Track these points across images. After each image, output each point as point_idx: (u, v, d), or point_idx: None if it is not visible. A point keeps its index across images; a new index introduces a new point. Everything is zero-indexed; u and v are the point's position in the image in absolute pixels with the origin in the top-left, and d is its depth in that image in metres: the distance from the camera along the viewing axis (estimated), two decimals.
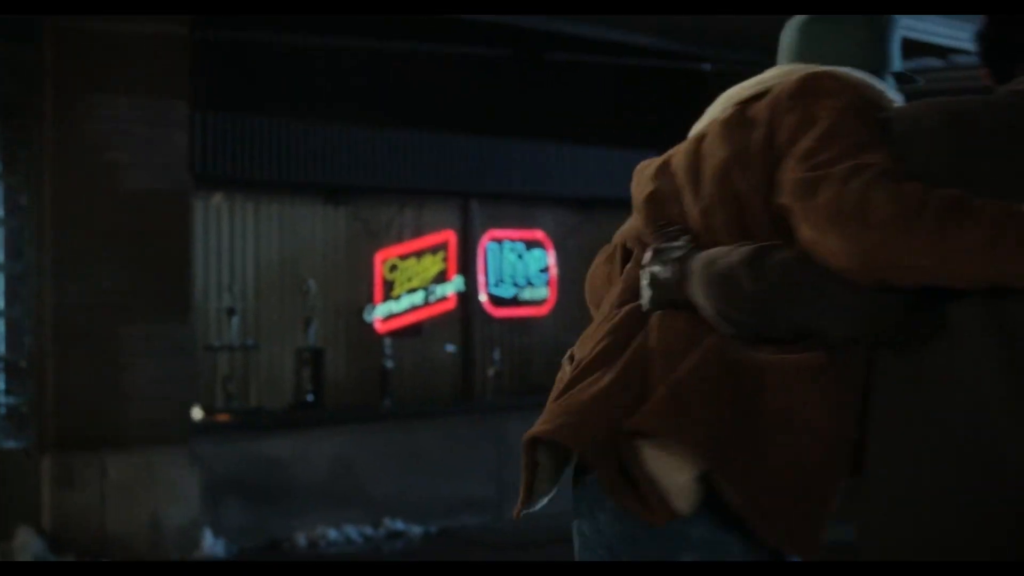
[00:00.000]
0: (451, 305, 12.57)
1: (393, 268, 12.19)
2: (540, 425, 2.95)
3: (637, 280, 3.06)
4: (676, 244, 2.99)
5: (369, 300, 12.09)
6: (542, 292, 13.15)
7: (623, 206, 12.57)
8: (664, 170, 3.20)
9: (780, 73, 3.11)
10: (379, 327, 12.12)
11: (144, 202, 10.33)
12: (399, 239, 12.37)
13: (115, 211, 10.21)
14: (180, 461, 10.39)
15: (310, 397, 11.60)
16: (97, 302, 10.15)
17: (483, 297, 12.78)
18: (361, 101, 11.74)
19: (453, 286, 12.54)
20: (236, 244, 11.55)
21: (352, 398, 12.09)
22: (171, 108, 10.43)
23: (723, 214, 2.96)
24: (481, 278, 12.74)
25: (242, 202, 11.60)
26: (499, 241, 12.92)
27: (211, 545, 10.39)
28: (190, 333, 10.71)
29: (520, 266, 13.03)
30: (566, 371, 3.11)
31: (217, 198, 11.45)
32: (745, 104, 3.09)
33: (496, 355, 12.88)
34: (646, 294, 2.99)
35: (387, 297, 12.14)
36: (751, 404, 2.81)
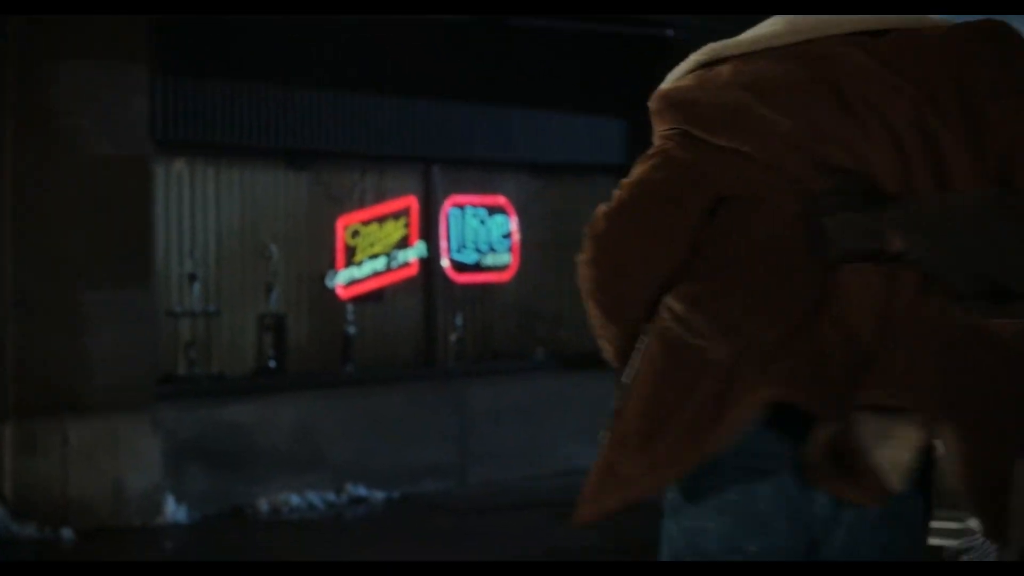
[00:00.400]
0: (413, 271, 12.56)
1: (355, 234, 12.17)
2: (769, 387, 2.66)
3: (781, 233, 2.75)
4: (858, 188, 2.71)
5: (331, 266, 12.07)
6: (504, 258, 13.15)
7: (585, 171, 12.67)
8: (785, 101, 2.79)
9: (905, 18, 2.86)
10: (341, 293, 12.10)
11: (105, 168, 10.28)
12: (361, 204, 12.34)
13: (76, 177, 10.17)
14: (142, 427, 10.37)
15: (272, 363, 11.59)
16: (58, 268, 10.11)
17: (445, 263, 12.77)
18: (323, 66, 11.70)
19: (415, 252, 12.52)
20: (197, 209, 11.51)
21: (314, 364, 12.08)
22: (131, 73, 10.38)
23: (917, 154, 2.72)
24: (443, 244, 12.73)
25: (203, 167, 11.56)
26: (461, 207, 12.91)
27: (173, 511, 10.39)
28: (151, 299, 10.68)
29: (482, 232, 13.02)
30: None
31: (178, 163, 11.40)
32: (874, 38, 2.83)
33: (459, 320, 12.88)
34: (826, 244, 2.70)
35: (349, 263, 12.13)
36: (994, 373, 2.65)
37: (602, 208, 2.93)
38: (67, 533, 9.81)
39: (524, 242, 13.24)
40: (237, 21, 10.92)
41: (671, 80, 2.99)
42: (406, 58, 12.15)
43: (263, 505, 10.92)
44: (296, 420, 11.38)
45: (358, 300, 12.20)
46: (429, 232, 12.61)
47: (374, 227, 12.30)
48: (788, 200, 2.75)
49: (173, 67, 10.75)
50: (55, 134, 10.06)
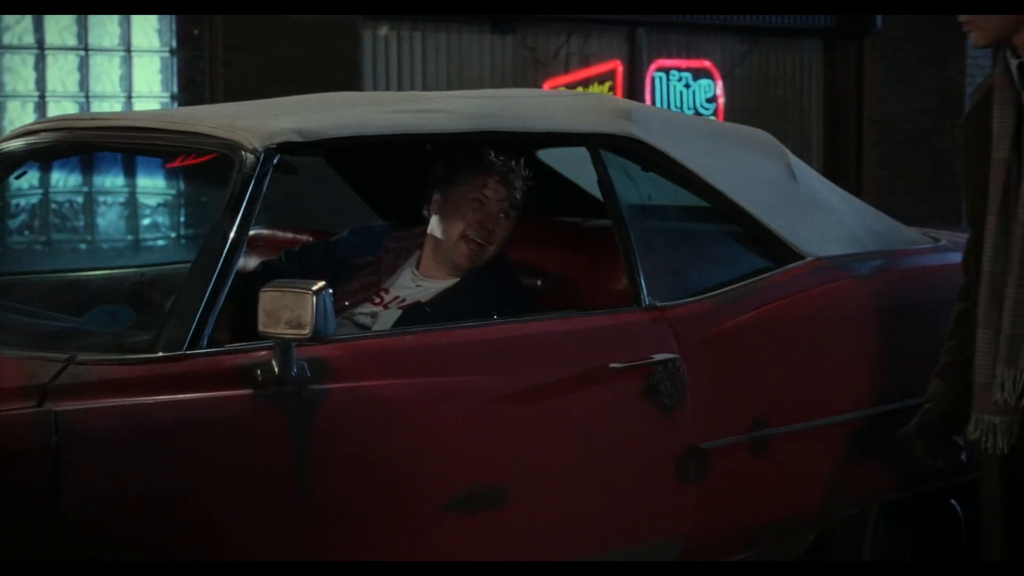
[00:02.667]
0: None
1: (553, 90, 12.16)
2: None
3: None
4: None
5: None
6: None
7: (790, 35, 12.39)
8: None
9: None
10: None
11: (313, 32, 10.39)
12: (566, 68, 12.31)
13: (286, 41, 10.30)
14: None
15: None
16: None
17: None
18: None
19: None
20: (404, 74, 11.58)
21: None
22: None
23: None
24: None
25: (410, 31, 11.61)
26: (666, 70, 12.80)
27: None
28: None
29: (687, 96, 12.90)
30: None
31: (384, 28, 11.47)
32: None
33: None
34: None
35: None
36: None
37: None
38: None
39: (729, 107, 13.10)
40: None
41: None
42: None
43: None
44: None
45: None
46: (634, 96, 12.52)
47: (579, 91, 12.26)
48: None
49: None
50: None
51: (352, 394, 3.54)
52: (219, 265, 3.49)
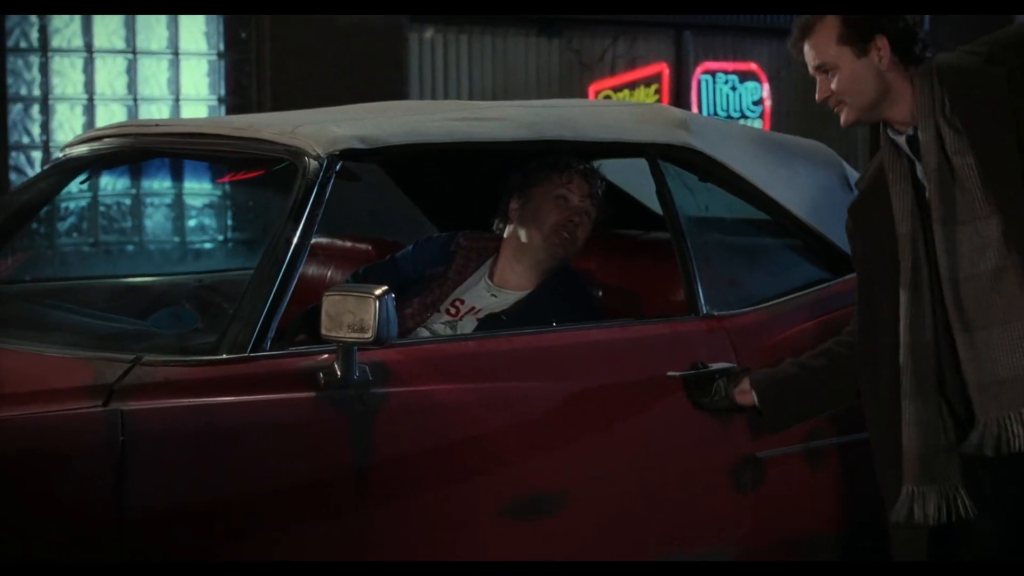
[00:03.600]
0: None
1: (607, 100, 12.17)
2: None
3: None
4: None
5: None
6: (756, 125, 13.03)
7: None
8: None
9: None
10: None
11: (360, 35, 10.43)
12: (612, 71, 12.32)
13: (332, 44, 10.34)
14: None
15: None
16: None
17: None
18: None
19: None
20: (450, 77, 11.62)
21: None
22: None
23: None
24: (695, 111, 12.65)
25: (456, 35, 11.64)
26: (712, 73, 12.80)
27: None
28: None
29: (734, 98, 12.90)
30: None
31: (430, 31, 11.50)
32: None
33: None
34: None
35: None
36: None
37: None
38: None
39: (775, 109, 13.08)
40: None
41: None
42: None
43: None
44: None
45: None
46: (680, 99, 12.54)
47: (625, 94, 12.28)
48: None
49: None
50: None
51: (413, 398, 3.57)
52: (283, 269, 3.53)
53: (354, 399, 3.47)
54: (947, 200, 3.42)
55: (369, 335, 3.34)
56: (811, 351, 3.89)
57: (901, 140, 3.54)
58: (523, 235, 4.28)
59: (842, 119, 3.64)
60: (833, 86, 3.60)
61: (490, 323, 4.16)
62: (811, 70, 3.67)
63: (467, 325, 4.20)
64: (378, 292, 3.35)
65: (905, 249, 3.48)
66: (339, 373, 3.44)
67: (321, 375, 3.44)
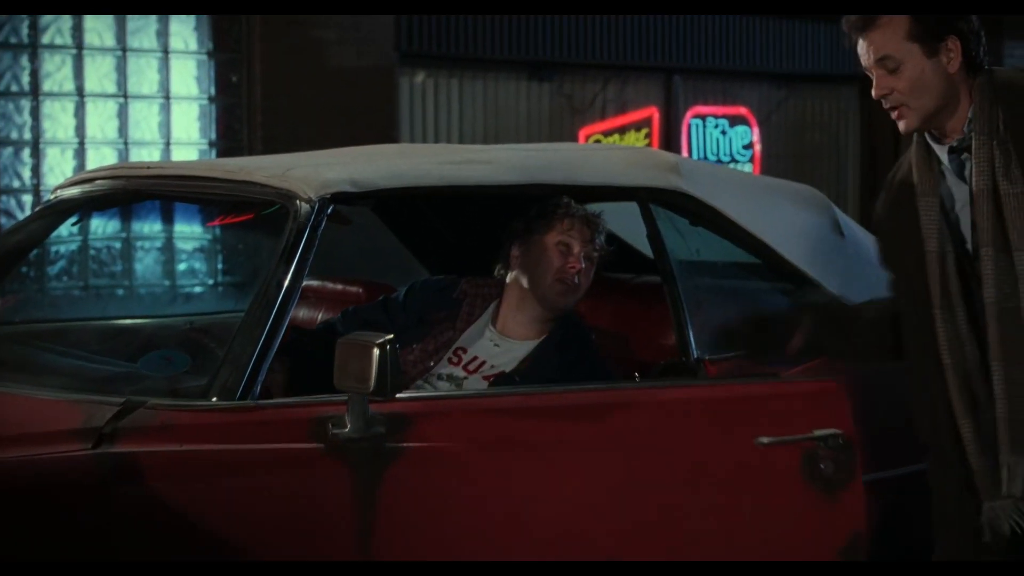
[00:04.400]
0: None
1: (597, 144, 12.19)
2: None
3: None
4: None
5: None
6: (747, 169, 13.06)
7: (827, 81, 12.40)
8: None
9: None
10: None
11: (350, 79, 10.45)
12: (603, 115, 12.35)
13: (322, 88, 10.36)
14: None
15: None
16: None
17: None
18: None
19: None
20: (441, 121, 11.64)
21: None
22: None
23: None
24: (685, 154, 12.68)
25: (447, 79, 11.67)
26: (703, 117, 12.84)
27: None
28: None
29: (724, 142, 12.94)
30: None
31: (421, 75, 11.53)
32: None
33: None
34: None
35: None
36: None
37: None
38: None
39: (766, 153, 13.11)
40: None
41: None
42: None
43: None
44: None
45: None
46: (670, 142, 12.57)
47: (616, 138, 12.31)
48: None
49: None
50: (301, 45, 10.25)
51: (427, 455, 3.45)
52: (273, 313, 3.48)
53: (362, 451, 3.38)
54: (994, 223, 3.25)
55: (368, 385, 3.26)
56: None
57: (942, 150, 3.36)
58: (525, 282, 4.22)
59: (902, 125, 3.37)
60: (895, 83, 3.32)
61: (503, 383, 4.05)
62: (867, 64, 3.36)
63: (475, 382, 4.11)
64: (379, 341, 3.28)
65: (933, 268, 3.33)
66: (348, 424, 3.37)
67: (331, 425, 3.37)
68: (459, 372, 4.17)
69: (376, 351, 3.26)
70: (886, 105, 3.38)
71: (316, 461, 3.37)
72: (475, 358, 4.20)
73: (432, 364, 4.19)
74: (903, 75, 3.32)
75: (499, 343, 4.22)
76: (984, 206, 3.27)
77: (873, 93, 3.37)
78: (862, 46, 3.37)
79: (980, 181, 3.28)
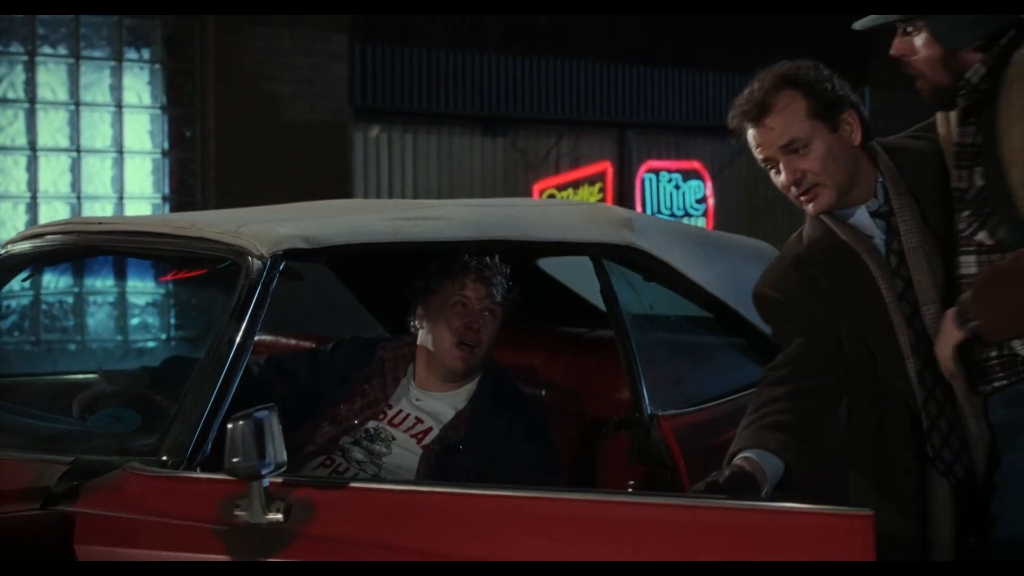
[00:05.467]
0: None
1: (551, 198, 12.22)
2: None
3: None
4: None
5: None
6: (700, 223, 13.11)
7: None
8: None
9: None
10: None
11: (304, 133, 10.46)
12: (556, 170, 12.39)
13: (276, 142, 10.36)
14: None
15: None
16: None
17: None
18: (517, 32, 11.75)
19: None
20: (395, 175, 11.65)
21: None
22: (332, 40, 10.53)
23: None
24: (639, 209, 12.72)
25: (401, 133, 11.69)
26: (656, 172, 12.89)
27: None
28: None
29: (677, 197, 12.99)
30: None
31: (376, 129, 11.54)
32: None
33: None
34: None
35: None
36: None
37: None
38: None
39: (719, 207, 13.17)
40: None
41: None
42: (600, 23, 12.15)
43: None
44: None
45: None
46: (624, 197, 12.61)
47: (569, 192, 12.34)
48: None
49: (371, 34, 10.89)
50: (255, 99, 10.26)
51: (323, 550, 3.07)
52: (225, 369, 3.42)
53: (244, 537, 3.09)
54: (932, 280, 3.30)
55: (225, 465, 3.02)
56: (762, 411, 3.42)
57: (861, 216, 3.37)
58: (431, 343, 4.18)
59: (814, 206, 3.35)
60: (806, 165, 3.31)
61: (445, 453, 3.93)
62: (770, 153, 3.35)
63: (405, 440, 4.02)
64: (235, 417, 3.02)
65: (898, 319, 3.34)
66: (242, 506, 3.10)
67: (238, 506, 3.10)
68: (386, 427, 4.09)
69: (228, 427, 3.02)
70: (798, 191, 3.34)
71: (203, 541, 3.13)
72: (400, 411, 4.14)
73: (356, 423, 4.09)
74: (812, 155, 3.30)
75: (420, 397, 4.17)
76: (922, 262, 3.31)
77: (783, 181, 3.34)
78: (759, 135, 3.34)
79: (911, 239, 3.32)
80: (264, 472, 3.04)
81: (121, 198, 10.21)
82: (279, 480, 3.13)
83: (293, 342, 4.96)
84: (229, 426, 3.01)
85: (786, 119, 3.32)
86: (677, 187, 13.02)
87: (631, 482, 3.67)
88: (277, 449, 3.03)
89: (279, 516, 3.09)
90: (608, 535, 2.88)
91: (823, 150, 3.31)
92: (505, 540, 2.95)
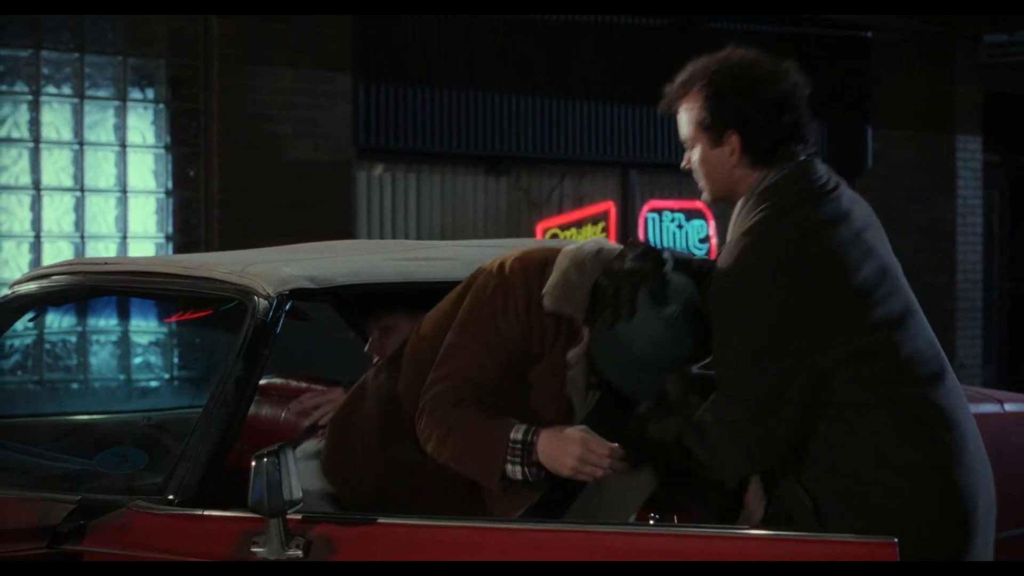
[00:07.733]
0: None
1: (554, 238, 12.22)
2: None
3: None
4: None
5: None
6: None
7: None
8: None
9: None
10: None
11: (308, 173, 10.47)
12: (560, 209, 12.40)
13: (279, 182, 10.37)
14: None
15: None
16: None
17: None
18: (521, 71, 11.78)
19: None
20: (398, 215, 11.66)
21: None
22: (334, 79, 10.56)
23: None
24: None
25: (404, 173, 11.71)
26: (659, 211, 12.90)
27: None
28: None
29: (680, 236, 13.00)
30: None
31: (379, 169, 11.56)
32: None
33: None
34: None
35: None
36: None
37: None
38: None
39: (721, 246, 13.16)
40: (438, 28, 11.05)
41: None
42: (604, 62, 12.18)
43: None
44: None
45: None
46: (627, 236, 12.62)
47: (572, 232, 12.34)
48: None
49: (375, 73, 10.91)
50: (259, 139, 10.27)
51: None
52: (231, 409, 3.46)
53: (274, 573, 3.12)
54: None
55: (249, 502, 3.05)
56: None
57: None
58: None
59: (703, 193, 3.66)
60: (693, 160, 3.58)
61: None
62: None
63: None
64: (257, 455, 3.06)
65: None
66: (264, 542, 3.13)
67: (256, 541, 3.14)
68: None
69: (252, 464, 3.05)
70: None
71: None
72: None
73: None
74: (695, 156, 3.56)
75: None
76: None
77: (681, 164, 3.62)
78: (678, 115, 3.64)
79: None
80: (288, 509, 3.04)
81: (125, 237, 10.21)
82: (297, 517, 3.13)
83: (304, 385, 4.96)
84: (253, 463, 3.03)
85: (683, 118, 3.62)
86: (680, 226, 13.02)
87: (654, 515, 3.65)
88: (294, 486, 3.05)
89: (299, 552, 3.10)
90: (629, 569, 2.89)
91: (700, 157, 3.54)
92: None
